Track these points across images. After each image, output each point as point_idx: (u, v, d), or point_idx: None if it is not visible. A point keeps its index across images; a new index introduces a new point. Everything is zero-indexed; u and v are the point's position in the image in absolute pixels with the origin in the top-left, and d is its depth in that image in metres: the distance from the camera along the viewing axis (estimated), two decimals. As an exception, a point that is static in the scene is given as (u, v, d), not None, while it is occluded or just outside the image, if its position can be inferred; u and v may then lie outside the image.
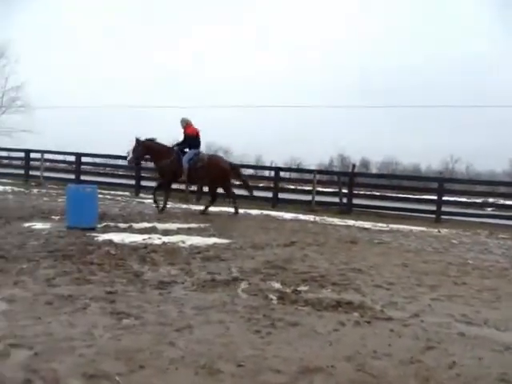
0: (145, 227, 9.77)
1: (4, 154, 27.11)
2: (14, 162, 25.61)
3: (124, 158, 22.83)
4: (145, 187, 18.53)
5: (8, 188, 17.25)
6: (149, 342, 3.96)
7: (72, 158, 20.56)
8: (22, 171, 21.07)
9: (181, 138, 13.36)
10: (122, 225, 9.96)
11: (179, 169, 12.70)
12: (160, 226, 10.05)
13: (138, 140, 12.87)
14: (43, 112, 53.74)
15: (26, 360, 3.45)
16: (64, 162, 22.95)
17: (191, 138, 13.03)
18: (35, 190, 17.28)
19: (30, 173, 20.40)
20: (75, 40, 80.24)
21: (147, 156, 13.39)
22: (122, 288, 5.49)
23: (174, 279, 6.02)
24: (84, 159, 20.33)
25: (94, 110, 61.55)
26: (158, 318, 4.58)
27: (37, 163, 20.60)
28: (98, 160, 22.68)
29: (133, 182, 18.75)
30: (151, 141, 12.99)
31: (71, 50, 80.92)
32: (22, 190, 17.21)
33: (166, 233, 9.25)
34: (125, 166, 25.19)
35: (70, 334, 4.00)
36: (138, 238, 8.47)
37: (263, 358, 3.79)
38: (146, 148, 12.94)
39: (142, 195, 17.98)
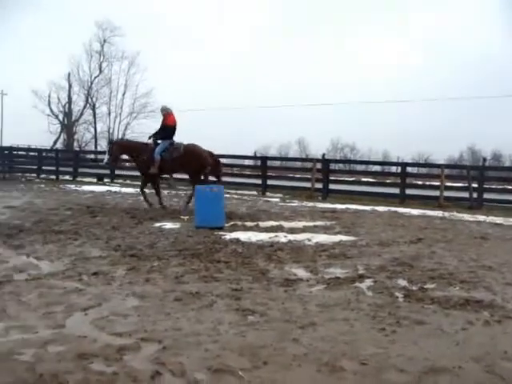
0: (271, 226, 9.94)
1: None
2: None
3: (251, 157, 23.41)
4: (271, 186, 18.83)
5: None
6: (273, 338, 4.04)
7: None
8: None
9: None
10: (248, 223, 10.22)
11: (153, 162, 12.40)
12: (286, 224, 10.18)
13: (110, 141, 13.55)
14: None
15: (155, 353, 3.68)
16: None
17: (169, 128, 12.61)
18: (165, 192, 18.23)
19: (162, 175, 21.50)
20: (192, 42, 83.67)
21: (125, 155, 13.61)
22: (248, 285, 5.65)
23: (299, 277, 6.08)
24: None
25: (218, 112, 64.08)
26: (283, 315, 4.66)
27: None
28: (224, 160, 23.47)
29: (259, 181, 19.11)
30: (124, 140, 13.36)
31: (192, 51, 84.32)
32: (153, 191, 18.19)
33: (292, 231, 9.34)
34: (251, 166, 25.83)
35: (196, 330, 4.20)
36: (264, 237, 8.66)
37: (387, 356, 3.72)
38: (120, 147, 13.02)
39: (268, 194, 18.30)
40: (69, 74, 49.86)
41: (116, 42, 50.07)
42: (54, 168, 24.49)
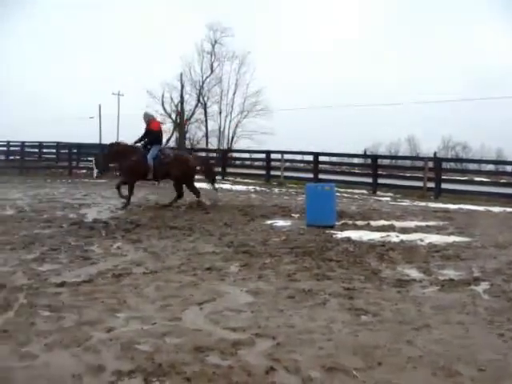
0: (382, 225, 9.76)
1: (246, 155, 29.80)
2: (256, 163, 27.81)
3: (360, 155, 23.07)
4: (382, 185, 18.49)
5: (251, 187, 18.78)
6: (386, 339, 4.00)
7: (310, 158, 21.44)
8: (263, 171, 22.67)
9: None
10: (359, 222, 10.11)
11: (145, 167, 12.26)
12: (398, 223, 9.94)
13: (95, 156, 13.49)
14: (281, 114, 57.32)
15: (269, 349, 3.76)
16: (302, 161, 24.14)
17: (154, 134, 12.70)
18: (276, 189, 18.47)
19: (271, 173, 21.82)
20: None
21: (110, 163, 13.52)
22: (360, 285, 5.61)
23: (412, 278, 5.94)
24: (321, 158, 21.09)
25: (327, 111, 63.71)
26: (396, 316, 4.59)
27: (277, 163, 21.96)
28: (334, 159, 23.42)
29: (370, 179, 18.83)
30: (110, 147, 13.08)
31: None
32: (264, 189, 18.55)
33: (403, 231, 9.11)
34: (361, 165, 25.46)
35: (309, 327, 4.24)
36: (375, 236, 8.53)
37: (506, 363, 3.57)
38: (103, 159, 13.16)
39: (379, 193, 17.97)
40: (181, 75, 51.74)
41: (226, 42, 51.35)
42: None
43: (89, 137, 46.75)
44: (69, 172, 24.82)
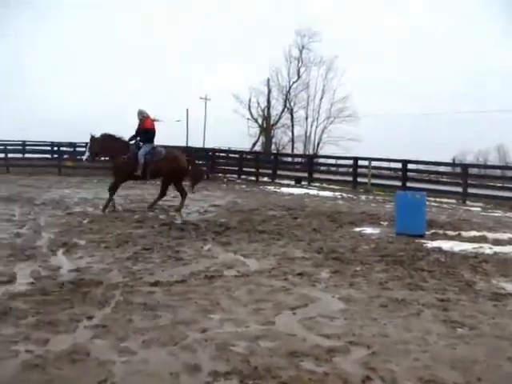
0: (474, 236, 9.39)
1: (332, 161, 29.62)
2: (341, 169, 27.58)
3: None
4: (472, 195, 17.84)
5: (337, 194, 18.62)
6: (485, 354, 3.86)
7: (398, 165, 21.03)
8: (349, 178, 22.44)
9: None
10: (450, 232, 9.78)
11: (136, 165, 12.01)
12: (490, 235, 9.53)
13: (92, 137, 12.47)
14: (369, 120, 56.65)
15: (365, 358, 3.72)
16: (390, 168, 23.69)
17: (148, 132, 12.46)
18: (363, 196, 18.23)
19: (358, 179, 21.56)
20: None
21: (102, 153, 12.89)
22: (454, 296, 5.44)
23: (508, 292, 5.70)
24: (410, 166, 20.61)
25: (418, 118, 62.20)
26: (494, 330, 4.43)
27: (364, 170, 21.68)
28: (421, 167, 22.82)
29: (459, 189, 18.21)
30: (105, 136, 12.42)
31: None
32: (351, 195, 18.37)
33: (497, 243, 8.74)
34: (448, 173, 24.65)
35: (404, 338, 4.16)
36: (467, 247, 8.26)
37: None
38: (99, 145, 12.40)
39: (468, 203, 17.33)
40: (268, 80, 52.45)
41: (314, 47, 51.46)
42: (253, 169, 25.80)
43: (175, 139, 48.08)
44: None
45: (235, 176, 25.83)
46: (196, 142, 47.49)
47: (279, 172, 25.04)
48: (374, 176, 21.33)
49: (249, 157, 30.28)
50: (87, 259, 6.65)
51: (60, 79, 72.44)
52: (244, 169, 26.21)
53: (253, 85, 53.31)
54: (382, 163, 25.33)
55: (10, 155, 25.62)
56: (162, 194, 12.37)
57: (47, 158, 27.37)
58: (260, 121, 53.07)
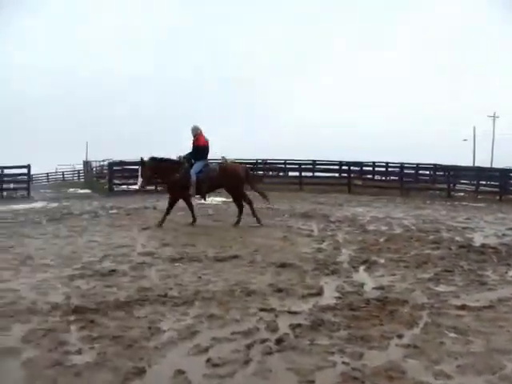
0: None
1: None
2: None
3: None
4: None
5: None
6: None
7: None
8: None
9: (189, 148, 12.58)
10: None
11: (188, 183, 12.03)
12: None
13: (142, 162, 12.37)
14: None
15: None
16: None
17: (201, 149, 12.42)
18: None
19: None
20: None
21: (155, 176, 13.02)
22: None
23: None
24: None
25: None
26: None
27: None
28: None
29: None
30: (156, 159, 12.36)
31: None
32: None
33: None
34: None
35: None
36: None
37: None
38: (150, 168, 12.31)
39: None
40: None
41: None
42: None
43: (462, 158, 46.16)
44: (447, 194, 24.83)
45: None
46: (483, 162, 45.04)
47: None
48: None
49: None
50: (389, 278, 6.75)
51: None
52: None
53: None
54: None
55: (303, 174, 27.66)
56: (241, 207, 12.42)
57: (335, 177, 28.85)
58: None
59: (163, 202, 17.10)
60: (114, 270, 6.90)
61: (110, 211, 15.30)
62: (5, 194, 23.96)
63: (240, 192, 12.51)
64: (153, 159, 12.41)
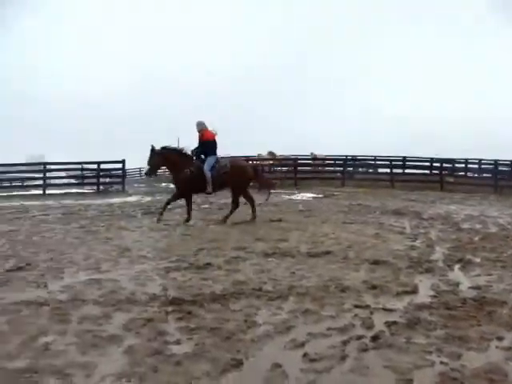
0: None
1: None
2: None
3: None
4: None
5: None
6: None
7: None
8: None
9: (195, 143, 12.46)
10: None
11: (201, 179, 11.87)
12: None
13: (152, 149, 12.07)
14: None
15: None
16: None
17: (209, 144, 12.24)
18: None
19: None
20: None
21: (164, 166, 13.06)
22: None
23: None
24: None
25: None
26: None
27: None
28: None
29: None
30: (167, 149, 12.21)
31: None
32: None
33: None
34: None
35: None
36: None
37: None
38: (163, 158, 12.15)
39: None
40: None
41: None
42: None
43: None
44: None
45: None
46: None
47: None
48: None
49: None
50: (485, 277, 6.53)
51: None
52: None
53: None
54: None
55: (394, 170, 27.18)
56: (236, 205, 12.23)
57: (426, 174, 28.13)
58: None
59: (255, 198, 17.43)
60: (208, 264, 7.09)
61: (202, 206, 15.72)
62: (101, 187, 25.21)
63: (243, 190, 12.42)
64: (163, 148, 12.22)
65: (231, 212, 12.13)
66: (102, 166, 25.99)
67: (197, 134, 12.40)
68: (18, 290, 5.77)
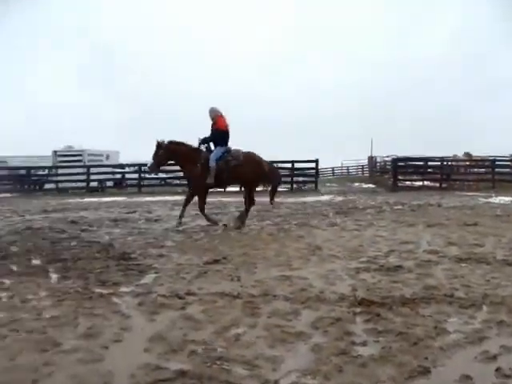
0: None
1: None
2: None
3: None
4: None
5: None
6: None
7: None
8: None
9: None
10: None
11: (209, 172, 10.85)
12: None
13: (158, 143, 11.14)
14: None
15: None
16: None
17: (220, 133, 11.17)
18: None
19: None
20: None
21: (171, 161, 11.69)
22: None
23: None
24: None
25: None
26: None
27: None
28: None
29: None
30: (174, 143, 11.17)
31: None
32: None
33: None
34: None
35: None
36: None
37: None
38: (170, 152, 11.18)
39: None
40: None
41: None
42: None
43: None
44: None
45: None
46: None
47: None
48: None
49: None
50: None
51: None
52: None
53: None
54: None
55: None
56: (251, 201, 11.32)
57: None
58: None
59: (448, 200, 16.65)
60: (399, 266, 6.89)
61: (394, 207, 15.38)
62: (294, 186, 25.88)
63: (256, 186, 11.61)
64: (170, 142, 11.27)
65: (247, 211, 11.34)
66: (296, 166, 26.63)
67: (210, 122, 11.50)
68: (214, 282, 6.18)
